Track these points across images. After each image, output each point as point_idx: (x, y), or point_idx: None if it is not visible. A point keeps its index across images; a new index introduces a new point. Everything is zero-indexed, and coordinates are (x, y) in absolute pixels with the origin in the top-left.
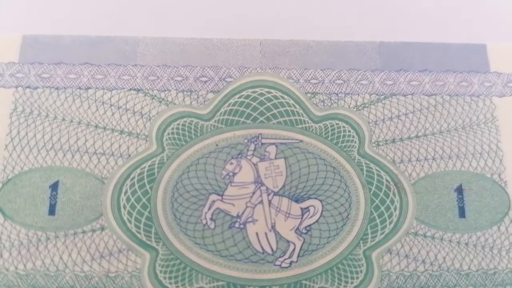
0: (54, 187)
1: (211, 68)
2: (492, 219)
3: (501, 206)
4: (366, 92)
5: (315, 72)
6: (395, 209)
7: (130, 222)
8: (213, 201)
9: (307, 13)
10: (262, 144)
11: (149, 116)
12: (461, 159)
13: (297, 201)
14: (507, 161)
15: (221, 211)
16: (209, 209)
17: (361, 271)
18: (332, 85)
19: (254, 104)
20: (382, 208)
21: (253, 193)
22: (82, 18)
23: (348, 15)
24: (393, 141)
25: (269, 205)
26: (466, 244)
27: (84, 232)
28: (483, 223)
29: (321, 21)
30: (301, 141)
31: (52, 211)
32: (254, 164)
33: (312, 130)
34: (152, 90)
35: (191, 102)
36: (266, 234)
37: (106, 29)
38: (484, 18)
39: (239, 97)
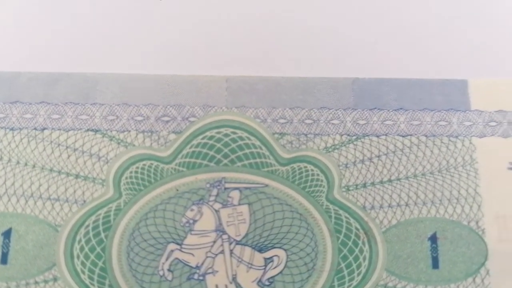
0: (7, 234)
1: (174, 107)
2: (467, 270)
3: (478, 256)
4: (337, 133)
5: (283, 111)
6: (364, 259)
7: (83, 273)
8: (171, 251)
9: (276, 48)
10: (225, 188)
11: (107, 158)
12: (436, 205)
13: (260, 250)
14: (486, 207)
15: (179, 261)
16: (166, 259)
17: None
18: (301, 125)
19: (218, 145)
20: (351, 258)
21: (214, 242)
22: (40, 54)
23: (320, 50)
24: (364, 185)
25: (231, 255)
26: None
27: (36, 283)
28: (457, 275)
29: (292, 56)
30: (266, 185)
31: (4, 260)
32: (216, 211)
33: (279, 173)
34: (111, 131)
35: (151, 144)
36: (226, 286)
37: (64, 65)
38: (465, 52)
39: (203, 138)
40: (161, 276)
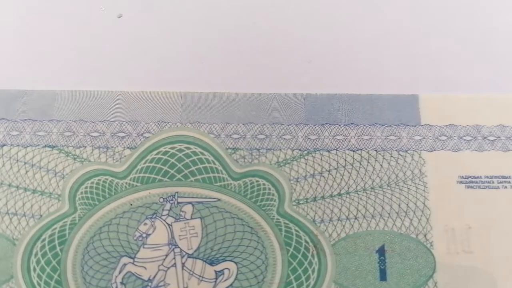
0: None
1: (129, 123)
2: (415, 283)
3: (425, 268)
4: (288, 148)
5: (237, 127)
6: (313, 271)
7: (39, 285)
8: (124, 264)
9: (230, 64)
10: (178, 203)
11: (63, 174)
12: (384, 218)
13: (211, 263)
14: (434, 220)
15: (132, 274)
16: (119, 272)
17: None
18: (254, 140)
19: (172, 160)
20: (300, 271)
21: (166, 255)
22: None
23: (273, 67)
24: (315, 199)
25: (182, 268)
26: None
27: None
28: (405, 287)
29: (245, 73)
30: (219, 199)
31: None
32: (168, 225)
33: (231, 188)
34: (67, 147)
35: (106, 159)
36: None
37: (23, 83)
38: (416, 68)
39: (157, 154)
40: None
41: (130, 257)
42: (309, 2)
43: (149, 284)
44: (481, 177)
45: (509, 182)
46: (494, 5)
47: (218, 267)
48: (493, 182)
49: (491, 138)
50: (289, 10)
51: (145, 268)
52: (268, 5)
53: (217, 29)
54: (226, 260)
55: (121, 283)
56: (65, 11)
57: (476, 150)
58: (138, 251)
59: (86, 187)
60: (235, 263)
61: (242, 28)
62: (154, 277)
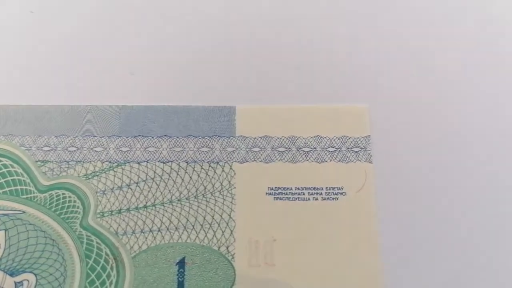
0: None
1: None
2: None
3: (224, 281)
4: (98, 160)
5: (48, 139)
6: (110, 284)
7: None
8: None
9: (47, 76)
10: None
11: None
12: (188, 230)
13: (12, 274)
14: (239, 232)
15: None
16: None
17: None
18: (65, 152)
19: None
20: (97, 283)
21: None
22: None
23: (91, 78)
24: (119, 211)
25: None
26: None
27: None
28: None
29: (62, 85)
30: (24, 212)
31: None
32: None
33: (37, 200)
34: None
35: None
36: None
37: None
38: (236, 80)
39: None
40: None
41: None
42: (126, 17)
43: None
44: (291, 189)
45: (321, 194)
46: (313, 21)
47: (18, 278)
48: (303, 194)
49: (306, 149)
50: (111, 22)
51: None
52: (85, 17)
53: (36, 41)
54: (26, 272)
55: None
56: None
57: (289, 162)
58: None
59: None
60: (35, 274)
61: (58, 40)
62: None
